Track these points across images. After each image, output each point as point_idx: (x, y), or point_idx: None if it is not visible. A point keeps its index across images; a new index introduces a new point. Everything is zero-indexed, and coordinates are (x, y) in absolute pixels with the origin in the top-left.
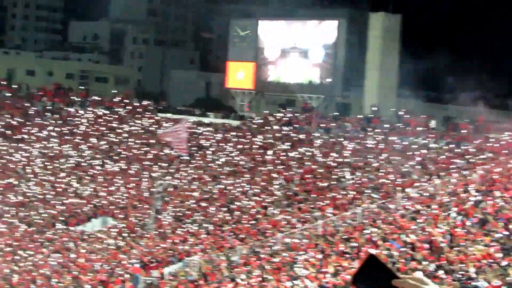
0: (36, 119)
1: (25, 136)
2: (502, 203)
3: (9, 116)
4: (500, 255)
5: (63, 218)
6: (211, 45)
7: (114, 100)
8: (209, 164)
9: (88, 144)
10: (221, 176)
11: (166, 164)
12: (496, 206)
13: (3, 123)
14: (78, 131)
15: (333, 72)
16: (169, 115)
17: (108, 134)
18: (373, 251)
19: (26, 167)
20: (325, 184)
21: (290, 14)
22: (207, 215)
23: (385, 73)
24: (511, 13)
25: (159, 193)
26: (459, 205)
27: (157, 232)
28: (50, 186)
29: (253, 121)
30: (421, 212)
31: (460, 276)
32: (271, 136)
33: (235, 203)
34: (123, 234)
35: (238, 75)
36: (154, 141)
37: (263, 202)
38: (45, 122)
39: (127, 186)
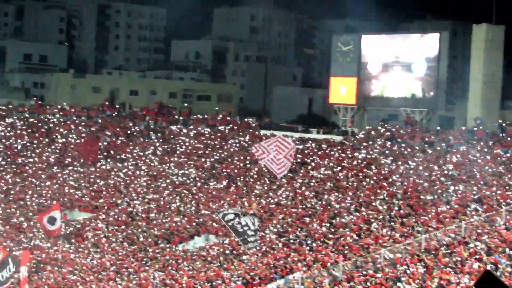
0: (139, 138)
1: (129, 155)
2: None
3: (113, 135)
4: None
5: (166, 236)
6: (313, 61)
7: (216, 118)
8: (312, 180)
9: (190, 162)
10: (323, 192)
11: (269, 182)
12: None
13: (107, 143)
14: (181, 150)
15: (436, 85)
16: (271, 132)
17: (211, 152)
18: (477, 265)
19: (130, 186)
20: (429, 198)
21: (392, 28)
22: (310, 231)
23: (489, 84)
24: None
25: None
26: None
27: (259, 249)
28: (153, 205)
29: (356, 136)
30: None
31: None
32: (374, 151)
33: (338, 218)
34: (226, 252)
35: (341, 90)
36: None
37: (366, 217)
38: (148, 141)
39: (230, 203)
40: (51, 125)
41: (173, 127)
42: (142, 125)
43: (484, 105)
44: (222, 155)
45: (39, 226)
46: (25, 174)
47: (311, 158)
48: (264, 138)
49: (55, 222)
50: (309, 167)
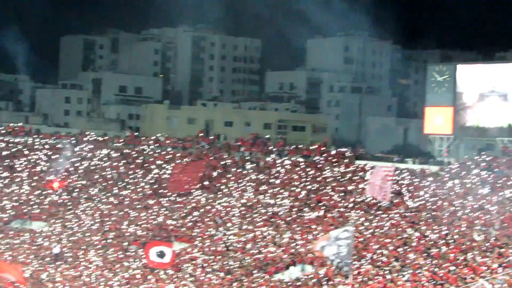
0: (234, 169)
1: (223, 187)
2: None
3: (208, 166)
4: None
5: (261, 266)
6: (408, 90)
7: (311, 148)
8: (408, 210)
9: (285, 192)
10: (419, 222)
11: (364, 212)
12: None
13: (202, 174)
14: (276, 180)
15: None
16: (366, 162)
17: (306, 182)
18: None
19: (225, 217)
20: None
21: (487, 57)
22: (406, 262)
23: None
24: None
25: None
26: None
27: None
28: (249, 235)
29: (452, 167)
30: None
31: None
32: (470, 181)
33: (434, 249)
34: (322, 282)
35: (436, 121)
36: (352, 188)
37: (462, 247)
38: (243, 172)
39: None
40: (146, 156)
41: (268, 158)
42: (237, 156)
43: None
44: (317, 185)
45: (140, 255)
46: (121, 205)
47: (406, 188)
48: (359, 168)
49: (164, 256)
50: (405, 197)
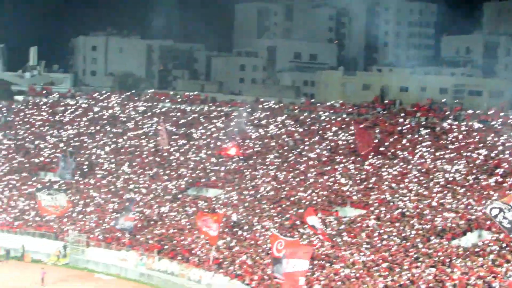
0: (410, 134)
1: (399, 152)
2: None
3: (383, 132)
4: None
5: (438, 233)
6: None
7: (488, 113)
8: None
9: (462, 159)
10: None
11: None
12: None
13: (378, 140)
14: (452, 146)
15: None
16: None
17: (482, 148)
18: None
19: (401, 183)
20: None
21: None
22: None
23: None
24: None
25: None
26: None
27: None
28: (425, 201)
29: None
30: None
31: None
32: None
33: None
34: (500, 248)
35: None
36: None
37: None
38: (419, 138)
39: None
40: (322, 122)
41: (444, 123)
42: (413, 122)
43: None
44: (494, 150)
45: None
46: (297, 172)
47: None
48: None
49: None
50: None
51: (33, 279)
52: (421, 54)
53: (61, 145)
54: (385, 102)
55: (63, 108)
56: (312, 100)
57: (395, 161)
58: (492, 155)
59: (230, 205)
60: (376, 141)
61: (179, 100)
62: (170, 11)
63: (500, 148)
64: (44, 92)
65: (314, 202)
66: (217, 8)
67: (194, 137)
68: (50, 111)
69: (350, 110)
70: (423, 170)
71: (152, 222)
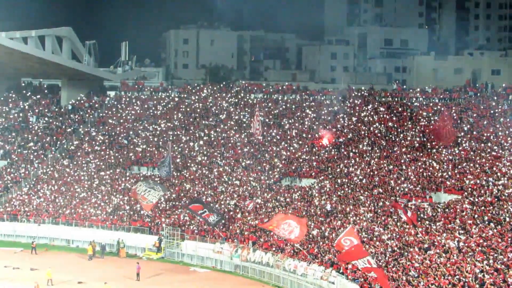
0: (502, 118)
1: (492, 135)
2: None
3: (476, 116)
4: None
5: None
6: None
7: None
8: None
9: None
10: None
11: None
12: None
13: (470, 124)
14: None
15: None
16: None
17: None
18: None
19: (495, 166)
20: None
21: None
22: None
23: None
24: None
25: None
26: None
27: None
28: None
29: None
30: None
31: None
32: None
33: None
34: None
35: None
36: None
37: None
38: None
39: None
40: (414, 108)
41: None
42: (505, 105)
43: None
44: None
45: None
46: (390, 159)
47: None
48: None
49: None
50: None
51: (129, 274)
52: None
53: (155, 139)
54: (477, 85)
55: (155, 102)
56: (404, 86)
57: (488, 145)
58: None
59: (324, 194)
60: (468, 126)
61: (271, 90)
62: (260, 1)
63: None
64: (136, 86)
65: (407, 188)
66: None
67: (286, 127)
68: (143, 105)
69: (442, 95)
70: None
71: (247, 214)
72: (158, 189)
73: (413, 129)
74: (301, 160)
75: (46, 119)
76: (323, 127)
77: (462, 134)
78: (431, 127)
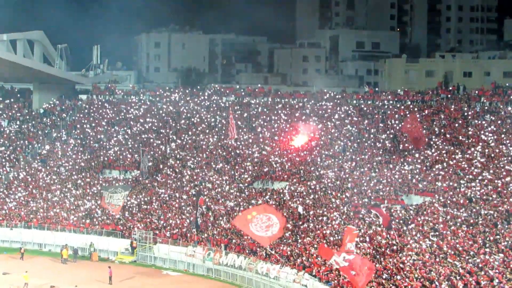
0: (474, 119)
1: (464, 138)
2: None
3: (448, 118)
4: None
5: (505, 218)
6: None
7: None
8: None
9: None
10: None
11: None
12: None
13: (441, 125)
14: None
15: None
16: None
17: None
18: None
19: (466, 168)
20: None
21: None
22: None
23: None
24: None
25: None
26: None
27: None
28: (491, 186)
29: None
30: None
31: None
32: None
33: None
34: None
35: None
36: None
37: None
38: (483, 122)
39: None
40: (386, 111)
41: (509, 107)
42: (477, 107)
43: None
44: None
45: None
46: (362, 161)
47: None
48: None
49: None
50: None
51: (102, 278)
52: (484, 39)
53: (129, 143)
54: (449, 88)
55: (127, 105)
56: (376, 89)
57: (460, 147)
58: None
59: (296, 197)
60: (437, 128)
61: (243, 93)
62: (231, 4)
63: None
64: (108, 90)
65: (380, 191)
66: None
67: (258, 130)
68: (115, 109)
69: (414, 97)
70: (488, 155)
71: (219, 217)
72: (120, 190)
73: (385, 132)
74: (273, 162)
75: (18, 122)
76: (294, 130)
77: (434, 136)
78: (402, 130)
